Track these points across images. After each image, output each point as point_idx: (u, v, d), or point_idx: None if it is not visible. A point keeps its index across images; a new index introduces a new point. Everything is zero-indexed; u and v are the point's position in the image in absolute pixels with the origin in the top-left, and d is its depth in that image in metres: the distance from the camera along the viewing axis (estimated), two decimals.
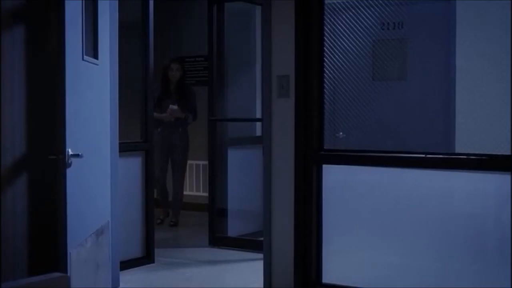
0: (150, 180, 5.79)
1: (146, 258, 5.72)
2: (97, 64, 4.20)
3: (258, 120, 6.62)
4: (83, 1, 3.83)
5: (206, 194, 7.04)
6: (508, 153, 3.77)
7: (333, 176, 4.36)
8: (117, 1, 5.07)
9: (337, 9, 4.56)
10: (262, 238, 4.82)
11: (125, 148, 5.38)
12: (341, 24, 4.55)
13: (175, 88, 7.26)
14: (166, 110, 7.11)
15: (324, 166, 4.37)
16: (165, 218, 7.61)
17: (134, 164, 5.67)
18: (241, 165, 6.60)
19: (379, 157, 4.22)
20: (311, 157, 4.37)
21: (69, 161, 3.56)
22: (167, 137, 7.24)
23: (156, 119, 6.63)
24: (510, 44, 3.69)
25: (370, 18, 4.61)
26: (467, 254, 3.98)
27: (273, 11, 4.50)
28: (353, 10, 4.58)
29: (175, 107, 7.12)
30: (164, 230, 7.18)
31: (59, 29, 3.55)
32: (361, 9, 4.57)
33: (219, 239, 6.44)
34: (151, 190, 5.82)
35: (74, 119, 3.66)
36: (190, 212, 7.97)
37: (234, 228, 6.52)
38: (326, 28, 4.42)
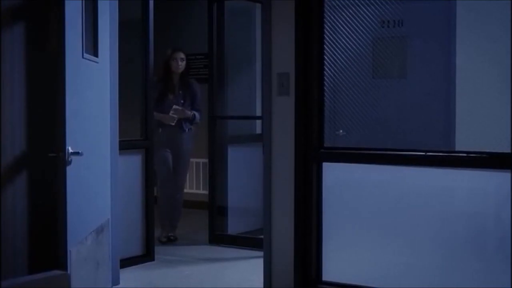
0: (150, 178, 5.79)
1: (146, 256, 5.72)
2: (97, 62, 4.20)
3: (258, 118, 6.62)
4: (83, 0, 3.83)
5: (206, 192, 7.03)
6: (508, 151, 3.77)
7: (333, 174, 4.36)
8: (117, 0, 5.06)
9: (337, 7, 4.55)
10: (262, 236, 4.83)
11: (125, 146, 5.38)
12: (341, 22, 4.54)
13: (178, 82, 6.44)
14: (169, 110, 6.29)
15: (324, 164, 4.37)
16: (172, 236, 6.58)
17: (134, 162, 5.66)
18: (241, 163, 6.59)
19: (379, 155, 4.22)
20: (311, 155, 4.37)
21: (69, 159, 3.56)
22: (170, 140, 6.38)
23: (156, 120, 6.13)
24: (510, 43, 3.69)
25: (370, 16, 4.60)
26: (467, 252, 3.98)
27: (273, 9, 4.50)
28: (353, 8, 4.57)
29: (179, 107, 6.35)
30: None
31: (59, 28, 3.55)
32: (361, 7, 4.56)
33: (219, 237, 6.44)
34: (151, 188, 5.81)
35: (74, 117, 3.66)
36: (190, 210, 7.95)
37: (234, 226, 6.52)
38: (326, 26, 4.42)
